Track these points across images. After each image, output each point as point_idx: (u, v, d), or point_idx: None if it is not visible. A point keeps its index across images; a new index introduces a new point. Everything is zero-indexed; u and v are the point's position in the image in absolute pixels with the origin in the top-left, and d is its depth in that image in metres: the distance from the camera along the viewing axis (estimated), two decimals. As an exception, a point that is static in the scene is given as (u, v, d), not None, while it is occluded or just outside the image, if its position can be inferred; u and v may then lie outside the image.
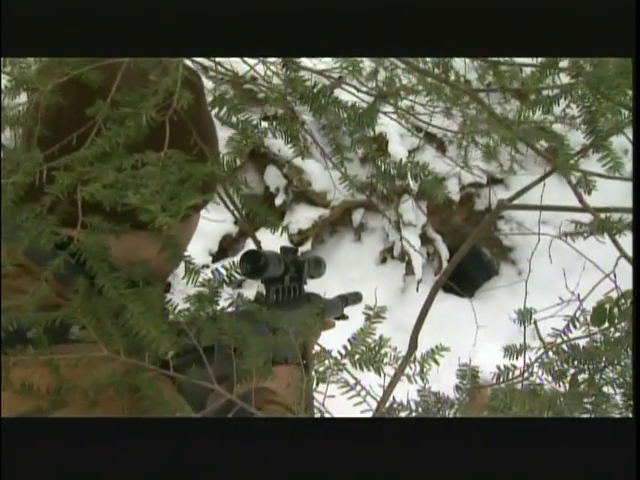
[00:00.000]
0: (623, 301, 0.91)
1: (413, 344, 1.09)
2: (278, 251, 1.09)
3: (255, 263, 0.97)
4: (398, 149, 4.73)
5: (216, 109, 0.72)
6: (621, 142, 0.90)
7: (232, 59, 2.42)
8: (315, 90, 0.69)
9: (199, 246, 4.36)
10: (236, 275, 0.79)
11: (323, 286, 1.26)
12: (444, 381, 0.85)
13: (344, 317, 1.40)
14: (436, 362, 0.68)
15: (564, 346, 0.85)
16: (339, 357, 0.66)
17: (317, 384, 0.67)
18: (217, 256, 4.56)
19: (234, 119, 0.68)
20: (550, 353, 0.86)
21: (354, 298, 1.43)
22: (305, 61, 0.80)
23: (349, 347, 0.67)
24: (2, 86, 0.79)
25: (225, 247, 4.69)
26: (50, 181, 0.63)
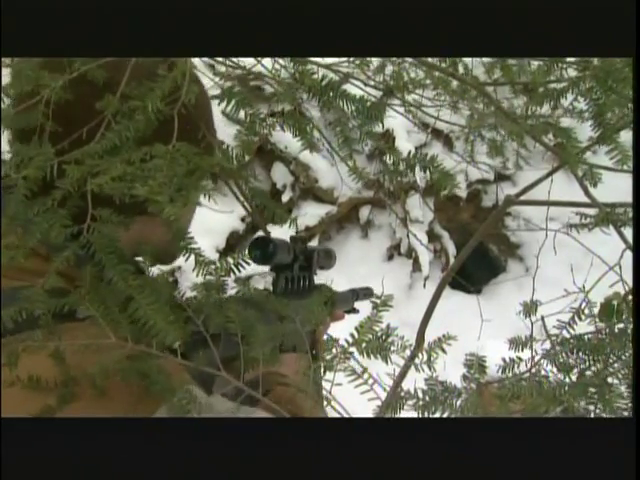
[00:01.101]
0: (631, 297, 0.91)
1: (420, 339, 1.10)
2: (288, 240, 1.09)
3: (264, 249, 0.98)
4: (405, 145, 4.72)
5: (224, 104, 0.73)
6: (629, 137, 0.91)
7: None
8: (323, 83, 0.69)
9: (206, 242, 4.36)
10: (243, 263, 0.80)
11: (330, 282, 1.27)
12: (451, 377, 0.85)
13: (355, 311, 1.41)
14: (443, 351, 0.68)
15: (569, 337, 0.86)
16: (346, 345, 0.67)
17: (324, 372, 0.68)
18: (224, 252, 4.57)
19: (242, 113, 0.68)
20: (555, 345, 0.86)
21: (365, 293, 1.44)
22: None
23: (356, 335, 0.67)
24: (2, 84, 0.80)
25: (232, 244, 4.70)
26: (60, 175, 0.64)
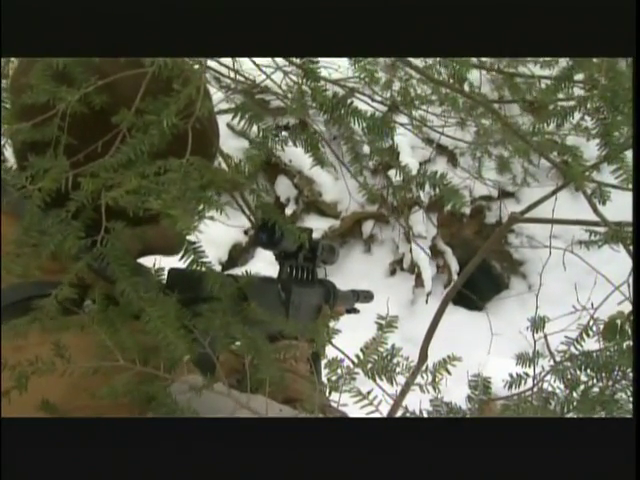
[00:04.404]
0: (632, 319, 0.91)
1: (423, 356, 1.09)
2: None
3: (271, 234, 1.00)
4: (409, 161, 4.73)
5: (231, 116, 0.73)
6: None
7: (247, 68, 2.45)
8: (335, 100, 0.69)
9: (209, 255, 4.35)
10: None
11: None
12: (453, 394, 0.85)
13: (355, 311, 1.44)
14: (447, 372, 0.68)
15: (576, 353, 0.86)
16: (351, 366, 0.67)
17: (330, 393, 0.67)
18: (227, 265, 4.57)
19: (254, 128, 0.69)
20: (562, 361, 0.86)
21: (365, 295, 1.50)
22: (320, 70, 0.81)
23: (362, 356, 0.67)
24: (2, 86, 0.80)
25: (235, 256, 4.70)
26: (75, 187, 0.65)
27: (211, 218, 0.61)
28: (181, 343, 0.61)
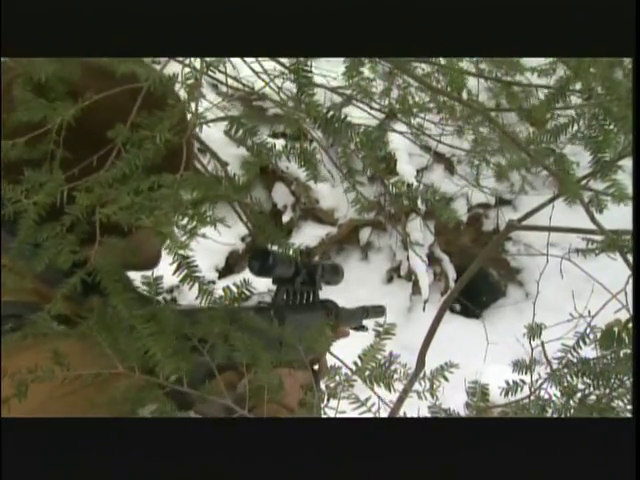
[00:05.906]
0: (631, 324, 0.91)
1: (420, 363, 1.09)
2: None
3: (264, 261, 0.95)
4: (407, 168, 4.74)
5: (233, 130, 0.73)
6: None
7: (245, 76, 2.46)
8: (329, 115, 0.69)
9: (206, 262, 4.36)
10: (247, 293, 0.79)
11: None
12: (450, 403, 0.85)
13: (363, 328, 1.37)
14: (445, 378, 0.68)
15: (574, 361, 0.86)
16: (349, 373, 0.67)
17: (328, 400, 0.67)
18: (223, 272, 4.56)
19: (249, 142, 0.69)
20: (559, 369, 0.86)
21: (376, 310, 1.41)
22: (318, 78, 0.81)
23: (359, 363, 0.67)
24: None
25: (232, 264, 4.69)
26: (69, 202, 0.64)
27: (203, 236, 0.60)
28: (169, 362, 0.61)
